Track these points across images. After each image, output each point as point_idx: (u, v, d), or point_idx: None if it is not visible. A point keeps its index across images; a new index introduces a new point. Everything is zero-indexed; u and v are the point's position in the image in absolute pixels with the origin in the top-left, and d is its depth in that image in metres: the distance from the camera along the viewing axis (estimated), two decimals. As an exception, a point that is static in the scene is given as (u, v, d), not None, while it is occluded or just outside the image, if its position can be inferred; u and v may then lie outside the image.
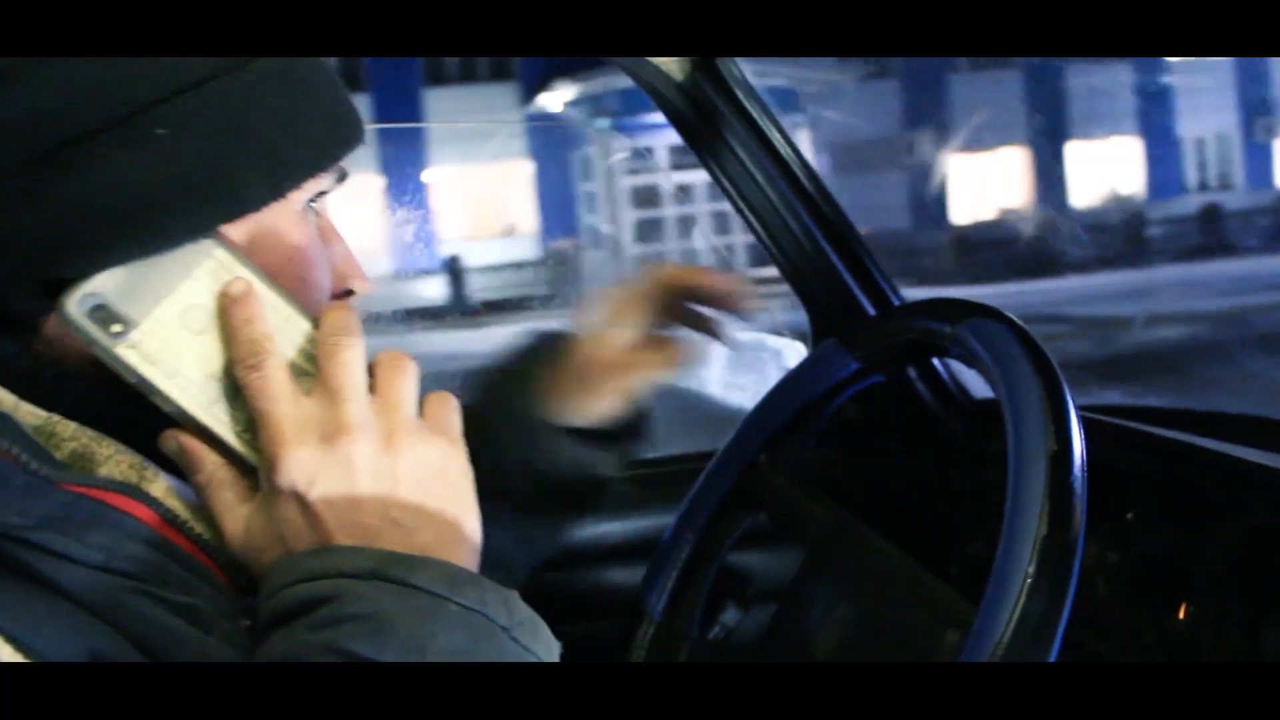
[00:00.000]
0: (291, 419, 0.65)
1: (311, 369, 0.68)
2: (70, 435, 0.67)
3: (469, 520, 0.68)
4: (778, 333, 1.74)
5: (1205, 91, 21.58)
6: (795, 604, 1.06)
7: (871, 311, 1.49)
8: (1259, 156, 22.61)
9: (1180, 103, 22.25)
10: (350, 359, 0.67)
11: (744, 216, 1.49)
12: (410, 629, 0.60)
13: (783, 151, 1.44)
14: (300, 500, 0.65)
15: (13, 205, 0.64)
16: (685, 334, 1.02)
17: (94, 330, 0.64)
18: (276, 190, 0.71)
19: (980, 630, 0.76)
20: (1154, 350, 9.44)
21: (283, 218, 0.73)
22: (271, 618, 0.63)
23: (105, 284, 0.65)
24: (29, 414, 0.67)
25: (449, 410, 0.70)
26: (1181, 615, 1.09)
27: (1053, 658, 0.76)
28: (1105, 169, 21.69)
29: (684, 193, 14.48)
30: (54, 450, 0.67)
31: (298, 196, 0.73)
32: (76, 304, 0.64)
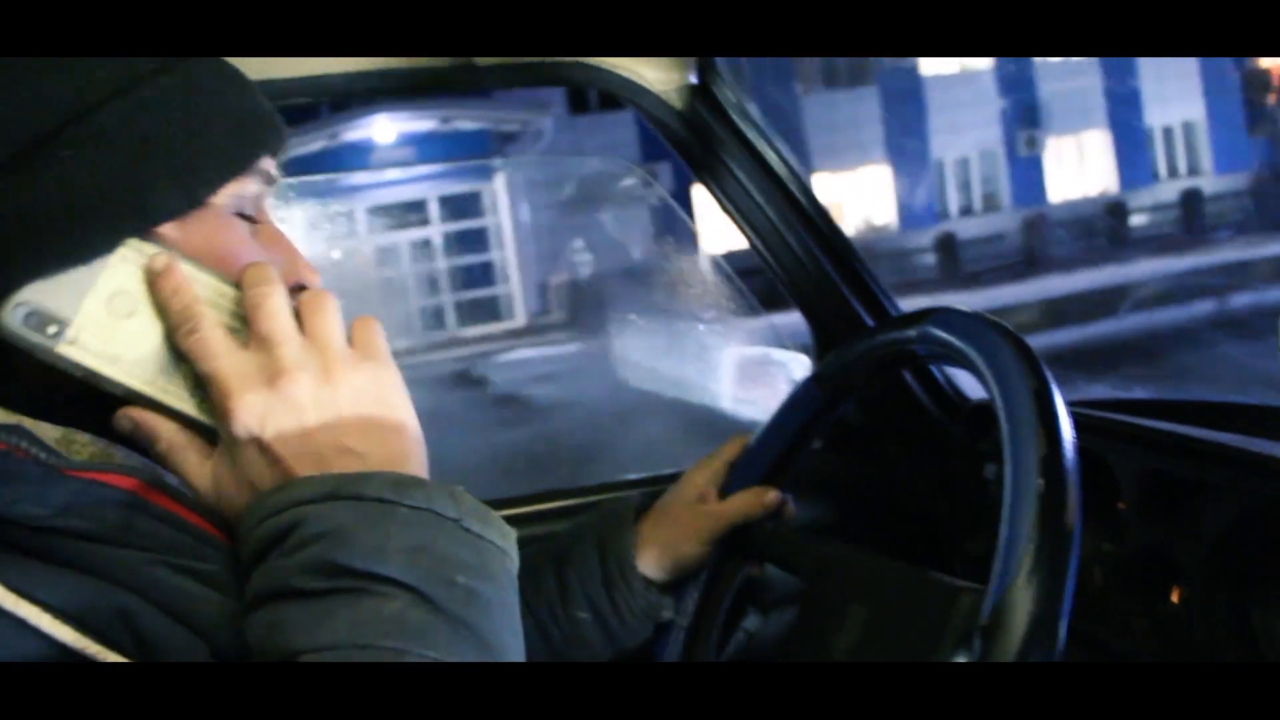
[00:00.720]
0: (235, 371, 0.70)
1: (243, 326, 0.72)
2: (87, 442, 0.72)
3: (411, 432, 0.74)
4: (783, 346, 1.79)
5: (965, 106, 19.62)
6: (808, 625, 1.10)
7: (870, 321, 1.54)
8: (1025, 172, 20.48)
9: (936, 121, 20.07)
10: (275, 306, 0.71)
11: (746, 235, 1.54)
12: (370, 535, 0.65)
13: (779, 172, 1.49)
14: (258, 442, 0.70)
15: None
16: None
17: (32, 336, 0.69)
18: (190, 198, 0.74)
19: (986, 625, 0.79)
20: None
21: (207, 223, 0.76)
22: (251, 558, 0.68)
23: (32, 290, 0.69)
24: (48, 428, 0.72)
25: (374, 334, 0.75)
26: (1175, 599, 1.14)
27: (1060, 647, 0.78)
28: (857, 200, 19.99)
29: (388, 255, 13.42)
30: (74, 455, 0.72)
31: (218, 203, 0.76)
32: (9, 315, 0.68)
